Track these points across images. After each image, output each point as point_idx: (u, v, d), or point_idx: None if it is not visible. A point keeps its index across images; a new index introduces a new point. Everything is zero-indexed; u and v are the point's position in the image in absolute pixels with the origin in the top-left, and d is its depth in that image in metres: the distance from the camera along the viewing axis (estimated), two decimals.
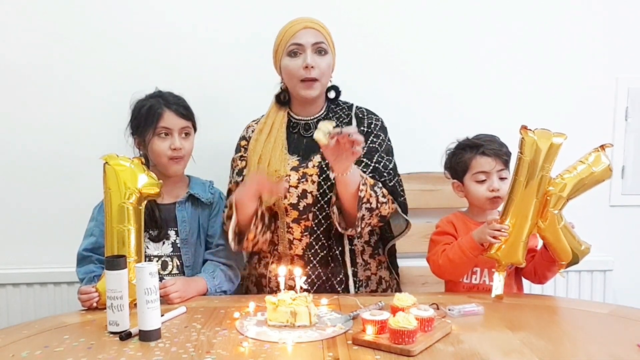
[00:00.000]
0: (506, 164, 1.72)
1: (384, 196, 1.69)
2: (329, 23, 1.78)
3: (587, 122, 2.25)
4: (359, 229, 1.66)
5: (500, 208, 1.61)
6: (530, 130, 1.53)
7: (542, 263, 1.66)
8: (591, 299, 2.24)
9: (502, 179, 1.71)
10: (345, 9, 2.17)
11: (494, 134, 1.78)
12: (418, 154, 2.15)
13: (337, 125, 1.72)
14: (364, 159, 1.72)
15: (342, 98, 1.84)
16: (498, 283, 1.59)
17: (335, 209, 1.66)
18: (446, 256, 1.67)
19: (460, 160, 1.76)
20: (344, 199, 1.63)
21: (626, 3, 2.24)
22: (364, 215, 1.64)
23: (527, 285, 1.85)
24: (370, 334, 1.28)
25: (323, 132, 1.47)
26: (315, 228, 1.73)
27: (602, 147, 1.58)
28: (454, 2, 2.22)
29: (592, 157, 1.57)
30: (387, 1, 2.20)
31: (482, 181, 1.72)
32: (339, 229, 1.68)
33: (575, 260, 1.59)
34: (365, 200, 1.62)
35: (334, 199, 1.66)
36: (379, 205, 1.66)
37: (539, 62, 2.25)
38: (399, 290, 1.85)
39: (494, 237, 1.56)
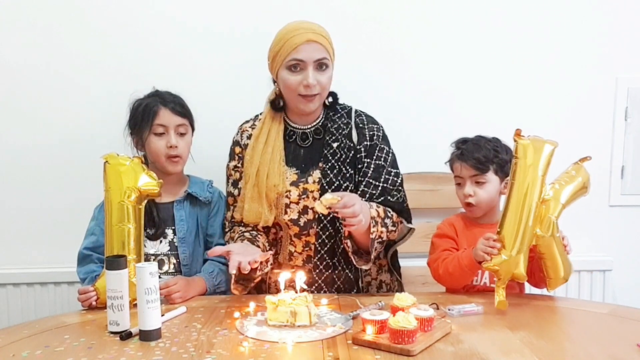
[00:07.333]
0: (482, 170, 1.70)
1: (393, 225, 1.68)
2: (326, 23, 1.73)
3: (587, 122, 2.26)
4: (370, 264, 1.68)
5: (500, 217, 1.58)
6: (523, 136, 1.52)
7: (538, 269, 1.62)
8: (591, 299, 2.24)
9: (478, 183, 1.70)
10: (344, 9, 2.17)
11: (493, 134, 1.78)
12: (418, 154, 2.16)
13: (337, 139, 1.72)
14: (372, 180, 1.70)
15: (341, 99, 1.80)
16: (498, 294, 1.53)
17: (349, 242, 1.64)
18: (446, 269, 1.67)
19: (448, 161, 1.80)
20: (355, 237, 1.64)
21: (626, 3, 2.24)
22: (375, 247, 1.64)
23: (527, 285, 1.85)
24: (370, 333, 1.29)
25: (323, 205, 1.50)
26: (319, 248, 1.72)
27: (582, 160, 1.61)
28: (454, 2, 2.22)
29: (574, 170, 1.60)
30: (387, 1, 2.20)
31: (459, 184, 1.76)
32: (355, 264, 1.66)
33: (565, 277, 1.56)
34: (376, 237, 1.62)
35: (346, 232, 1.63)
36: (389, 234, 1.67)
37: (538, 62, 2.24)
38: (401, 291, 1.83)
39: (487, 253, 1.53)
